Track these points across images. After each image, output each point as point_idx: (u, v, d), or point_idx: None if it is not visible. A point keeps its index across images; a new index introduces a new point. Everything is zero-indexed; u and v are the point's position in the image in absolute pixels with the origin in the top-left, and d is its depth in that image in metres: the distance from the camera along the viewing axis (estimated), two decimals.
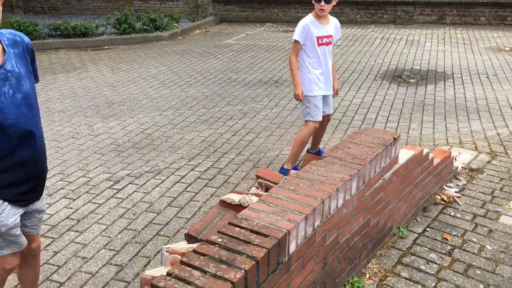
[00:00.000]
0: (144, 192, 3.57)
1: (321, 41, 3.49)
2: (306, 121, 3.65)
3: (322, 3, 3.36)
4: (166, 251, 1.80)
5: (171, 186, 3.66)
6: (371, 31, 10.27)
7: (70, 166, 4.04)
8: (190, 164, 4.05)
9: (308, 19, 3.49)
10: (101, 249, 2.88)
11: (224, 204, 2.19)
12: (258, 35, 10.14)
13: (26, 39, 1.89)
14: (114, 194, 3.55)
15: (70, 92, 6.23)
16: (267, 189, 2.33)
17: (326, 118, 3.80)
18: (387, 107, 5.37)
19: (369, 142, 2.58)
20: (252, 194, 2.25)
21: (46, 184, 3.65)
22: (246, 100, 5.75)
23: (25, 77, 1.82)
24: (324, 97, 3.64)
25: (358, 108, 5.35)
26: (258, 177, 2.42)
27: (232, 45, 9.10)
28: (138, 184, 3.70)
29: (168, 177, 3.81)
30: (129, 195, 3.53)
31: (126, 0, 12.38)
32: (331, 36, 3.53)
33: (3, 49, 1.76)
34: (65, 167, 4.03)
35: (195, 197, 3.50)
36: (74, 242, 2.96)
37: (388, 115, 5.12)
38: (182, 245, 1.89)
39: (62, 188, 3.66)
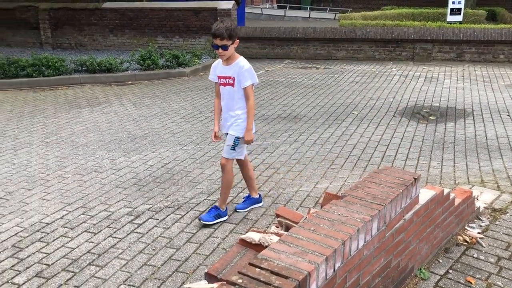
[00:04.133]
0: (164, 227, 3.60)
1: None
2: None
3: (220, 50, 3.39)
4: None
5: (191, 222, 3.69)
6: (390, 68, 10.36)
7: (92, 200, 4.12)
8: (209, 199, 4.08)
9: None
10: (121, 284, 2.90)
11: (244, 243, 2.21)
12: (277, 72, 10.31)
13: None
14: (134, 229, 3.59)
15: (94, 126, 6.39)
16: (287, 228, 2.34)
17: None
18: (406, 144, 5.36)
19: (389, 182, 2.59)
20: (272, 233, 2.26)
21: (68, 218, 3.74)
22: (265, 135, 5.82)
23: None
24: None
25: (377, 145, 5.35)
26: (277, 215, 2.43)
27: None
28: (158, 219, 3.74)
29: (187, 212, 3.84)
30: (149, 230, 3.56)
31: (150, 37, 12.79)
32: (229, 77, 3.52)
33: None
34: (87, 201, 4.10)
35: (214, 233, 3.51)
36: (95, 277, 2.98)
37: (408, 152, 5.10)
38: (202, 285, 1.91)
39: (84, 222, 3.72)
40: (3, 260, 3.20)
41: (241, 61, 3.50)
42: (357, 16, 15.99)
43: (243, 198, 3.98)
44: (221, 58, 3.49)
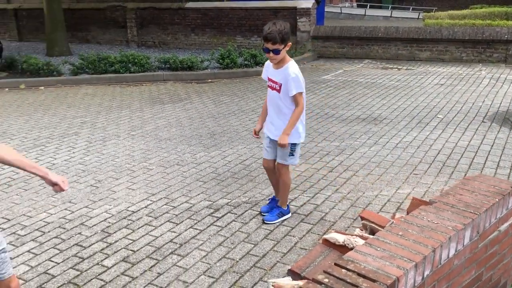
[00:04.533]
0: (242, 222, 3.66)
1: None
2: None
3: (270, 54, 3.24)
4: (272, 285, 1.83)
5: None
6: (479, 70, 9.76)
7: (175, 192, 4.28)
8: None
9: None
10: (201, 275, 2.99)
11: (327, 243, 2.18)
12: (356, 72, 10.10)
13: None
14: (214, 222, 3.68)
15: (176, 122, 6.64)
16: (372, 231, 2.28)
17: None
18: (497, 151, 5.02)
19: (483, 190, 2.43)
20: (356, 235, 2.21)
21: (152, 207, 3.92)
22: (343, 137, 5.72)
23: None
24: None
25: (464, 151, 5.06)
26: (362, 218, 2.37)
27: (329, 81, 9.15)
28: (236, 214, 3.80)
29: None
30: (228, 224, 3.64)
31: (229, 37, 13.06)
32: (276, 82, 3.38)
33: None
34: (170, 192, 4.27)
35: (291, 232, 3.51)
36: (177, 266, 3.10)
37: (499, 160, 4.77)
38: (287, 281, 1.91)
39: (166, 212, 3.88)
40: (93, 243, 3.42)
41: (290, 67, 3.31)
42: (443, 16, 15.23)
43: (268, 199, 3.96)
44: (272, 62, 3.34)
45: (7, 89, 9.29)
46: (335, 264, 1.81)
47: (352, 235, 2.18)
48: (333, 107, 7.14)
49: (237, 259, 3.15)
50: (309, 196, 4.10)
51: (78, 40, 15.44)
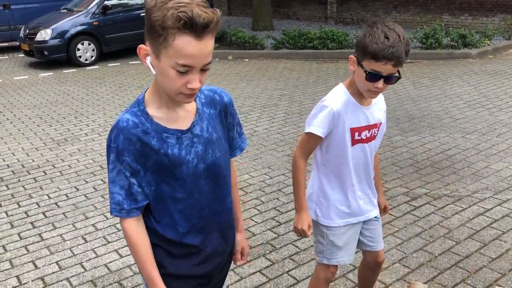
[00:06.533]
0: (442, 216, 3.40)
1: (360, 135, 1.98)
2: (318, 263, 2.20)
3: (380, 83, 1.79)
4: None
5: (473, 217, 3.37)
6: None
7: None
8: (496, 198, 3.64)
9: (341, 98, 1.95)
10: (396, 262, 2.88)
11: None
12: None
13: (226, 97, 1.50)
14: (410, 211, 3.50)
15: None
16: None
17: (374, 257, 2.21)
18: None
19: None
20: None
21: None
22: None
23: (216, 144, 1.44)
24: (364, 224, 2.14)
25: None
26: None
27: None
28: (436, 206, 3.55)
29: (470, 206, 3.52)
30: (427, 216, 3.42)
31: (434, 15, 12.11)
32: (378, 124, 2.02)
33: (197, 109, 1.42)
34: None
35: (501, 236, 3.12)
36: None
37: None
38: None
39: None
40: (290, 210, 3.58)
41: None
42: None
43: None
44: (373, 96, 1.90)
45: (217, 59, 10.31)
46: None
47: None
48: None
49: (436, 254, 2.94)
50: None
51: (280, 16, 16.18)
